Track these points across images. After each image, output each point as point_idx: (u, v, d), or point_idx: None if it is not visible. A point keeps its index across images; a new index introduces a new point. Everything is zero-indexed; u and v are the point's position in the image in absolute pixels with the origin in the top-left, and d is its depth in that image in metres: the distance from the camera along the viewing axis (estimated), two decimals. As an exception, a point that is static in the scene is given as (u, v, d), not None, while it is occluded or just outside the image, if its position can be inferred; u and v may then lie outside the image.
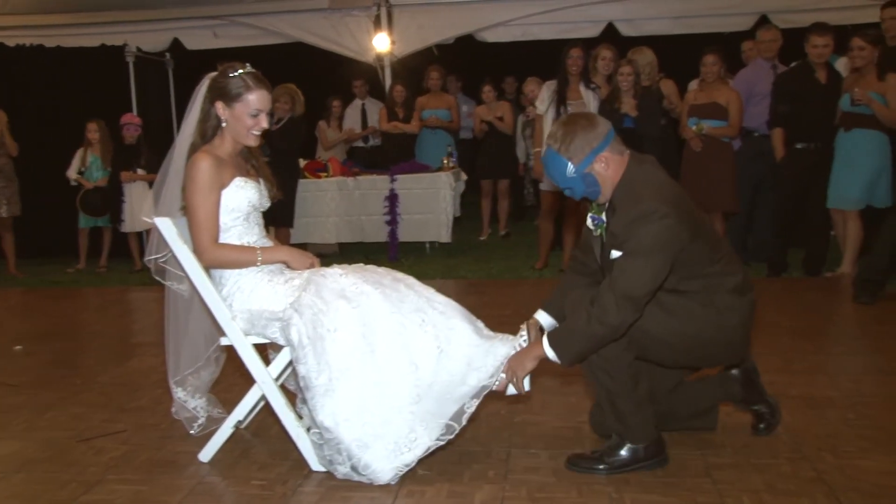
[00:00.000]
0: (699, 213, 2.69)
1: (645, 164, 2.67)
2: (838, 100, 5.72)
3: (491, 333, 2.85)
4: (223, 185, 2.82)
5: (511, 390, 2.77)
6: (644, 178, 2.61)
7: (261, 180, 3.01)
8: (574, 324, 2.58)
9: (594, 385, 2.73)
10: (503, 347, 2.78)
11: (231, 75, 2.81)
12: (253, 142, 2.89)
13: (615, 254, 2.61)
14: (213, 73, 2.89)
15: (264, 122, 2.86)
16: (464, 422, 2.73)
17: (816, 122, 5.85)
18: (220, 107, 2.82)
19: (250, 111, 2.81)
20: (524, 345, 2.80)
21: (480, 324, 2.88)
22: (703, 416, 3.01)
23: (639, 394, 2.68)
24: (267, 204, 3.03)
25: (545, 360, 2.64)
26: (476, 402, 2.74)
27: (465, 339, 2.73)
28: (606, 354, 2.62)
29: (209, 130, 2.86)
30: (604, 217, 2.72)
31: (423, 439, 2.61)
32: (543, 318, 2.96)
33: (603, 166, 2.62)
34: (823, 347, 4.21)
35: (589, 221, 2.82)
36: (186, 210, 2.83)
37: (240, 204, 2.87)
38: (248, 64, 2.88)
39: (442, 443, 2.68)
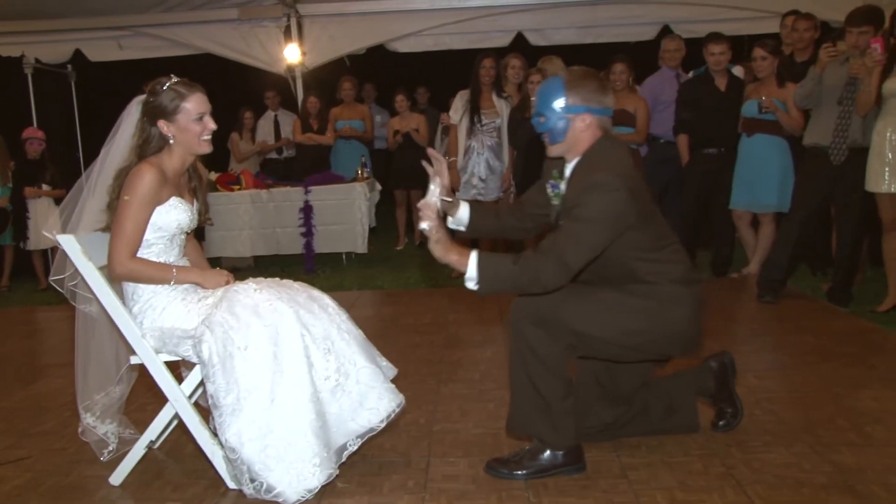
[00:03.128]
0: (651, 202, 2.73)
1: (614, 143, 2.74)
2: (739, 106, 5.92)
3: (390, 371, 2.92)
4: (160, 202, 2.77)
5: (423, 226, 2.69)
6: (606, 153, 2.67)
7: (195, 203, 2.96)
8: (507, 267, 2.56)
9: (520, 387, 2.73)
10: (397, 398, 2.82)
11: (162, 90, 2.76)
12: (206, 148, 2.84)
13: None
14: (141, 97, 2.83)
15: (211, 124, 2.83)
16: (343, 458, 2.74)
17: (718, 127, 6.05)
18: (163, 125, 2.76)
19: (193, 117, 2.77)
20: (434, 189, 2.74)
21: (384, 363, 2.93)
22: (680, 412, 3.05)
23: (567, 403, 2.71)
24: (194, 226, 2.97)
25: (459, 269, 2.61)
26: (360, 442, 2.76)
27: (364, 377, 2.76)
28: (547, 361, 2.64)
29: (150, 151, 2.79)
30: (562, 186, 2.76)
31: (325, 466, 2.58)
32: (464, 209, 2.95)
33: (582, 126, 2.69)
34: (730, 346, 4.30)
35: (548, 188, 2.85)
36: (114, 216, 2.75)
37: (169, 224, 2.81)
38: (172, 75, 2.83)
39: (335, 475, 2.64)
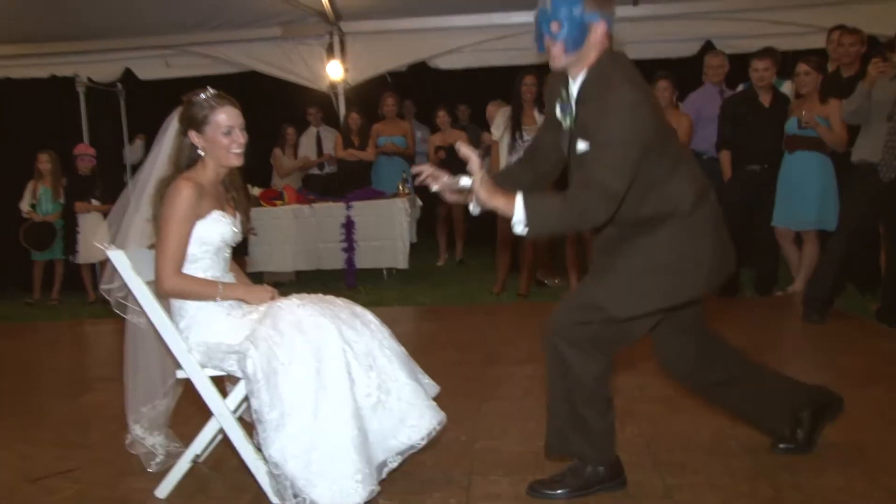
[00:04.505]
0: (665, 115, 2.58)
1: (618, 55, 2.57)
2: (783, 123, 5.84)
3: (432, 389, 2.90)
4: (200, 216, 2.79)
5: (464, 182, 2.51)
6: (617, 65, 2.53)
7: (237, 215, 2.97)
8: (555, 205, 2.43)
9: (558, 408, 2.69)
10: (437, 415, 2.80)
11: (195, 101, 2.81)
12: (236, 161, 2.85)
13: (581, 146, 2.53)
14: (180, 108, 2.87)
15: (241, 138, 2.84)
16: (384, 475, 2.71)
17: (761, 144, 5.98)
18: (193, 135, 2.81)
19: (222, 130, 2.79)
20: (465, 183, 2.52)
21: (426, 380, 2.90)
22: (773, 412, 2.98)
23: (607, 420, 2.67)
24: (239, 239, 2.99)
25: (506, 213, 2.43)
26: (400, 459, 2.74)
27: (405, 394, 2.74)
28: (586, 381, 2.59)
29: (184, 161, 2.83)
30: (573, 105, 2.61)
31: (367, 483, 2.56)
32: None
33: (596, 36, 2.51)
34: (776, 366, 4.24)
35: (557, 110, 2.70)
36: (157, 234, 2.79)
37: (212, 238, 2.83)
38: (209, 87, 2.87)
39: (377, 491, 2.61)
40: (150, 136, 3.11)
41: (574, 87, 2.60)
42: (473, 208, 2.66)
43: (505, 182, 2.70)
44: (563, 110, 2.67)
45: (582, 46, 2.52)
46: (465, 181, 2.47)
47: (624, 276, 2.60)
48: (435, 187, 2.60)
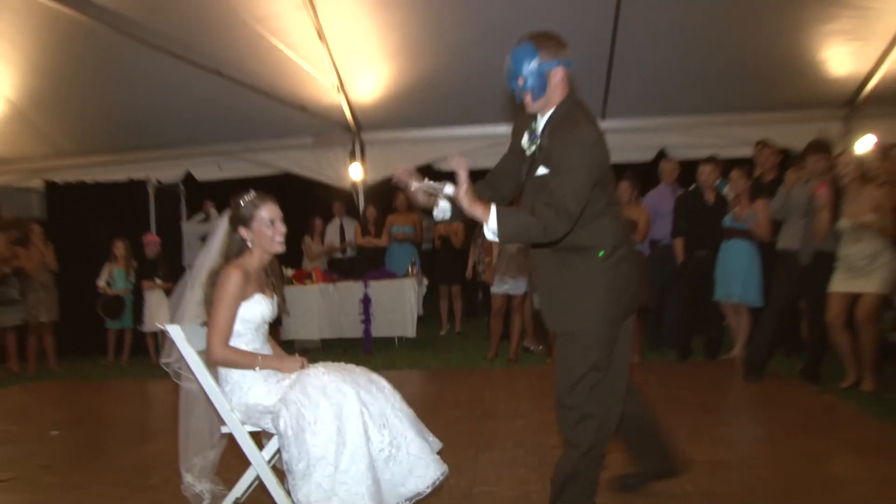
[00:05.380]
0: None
1: (580, 101, 2.60)
2: (724, 216, 6.00)
3: (436, 444, 2.88)
4: (245, 297, 2.84)
5: (447, 189, 2.46)
6: (578, 108, 2.56)
7: (275, 297, 3.02)
8: (524, 218, 2.40)
9: (558, 480, 2.64)
10: (441, 467, 2.79)
11: (241, 203, 2.89)
12: (279, 248, 2.91)
13: (542, 171, 2.54)
14: (228, 210, 2.95)
15: (282, 228, 2.91)
16: None
17: (706, 234, 6.12)
18: (243, 231, 2.88)
19: (266, 223, 2.86)
20: (448, 190, 2.47)
21: (430, 437, 2.90)
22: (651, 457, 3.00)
23: (597, 472, 2.66)
24: (275, 317, 3.03)
25: (482, 220, 2.39)
26: None
27: (413, 450, 2.75)
28: (594, 440, 2.56)
29: (233, 253, 2.89)
30: (538, 134, 2.61)
31: None
32: (443, 201, 2.73)
33: (556, 80, 2.54)
34: (722, 419, 4.25)
35: (525, 140, 2.68)
36: (208, 313, 2.84)
37: (254, 317, 2.88)
38: (251, 189, 2.95)
39: None
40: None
41: (541, 122, 2.62)
42: (437, 214, 2.69)
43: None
44: (530, 139, 2.66)
45: (545, 91, 2.55)
46: (448, 188, 2.45)
47: (568, 303, 2.60)
48: (414, 186, 2.56)
